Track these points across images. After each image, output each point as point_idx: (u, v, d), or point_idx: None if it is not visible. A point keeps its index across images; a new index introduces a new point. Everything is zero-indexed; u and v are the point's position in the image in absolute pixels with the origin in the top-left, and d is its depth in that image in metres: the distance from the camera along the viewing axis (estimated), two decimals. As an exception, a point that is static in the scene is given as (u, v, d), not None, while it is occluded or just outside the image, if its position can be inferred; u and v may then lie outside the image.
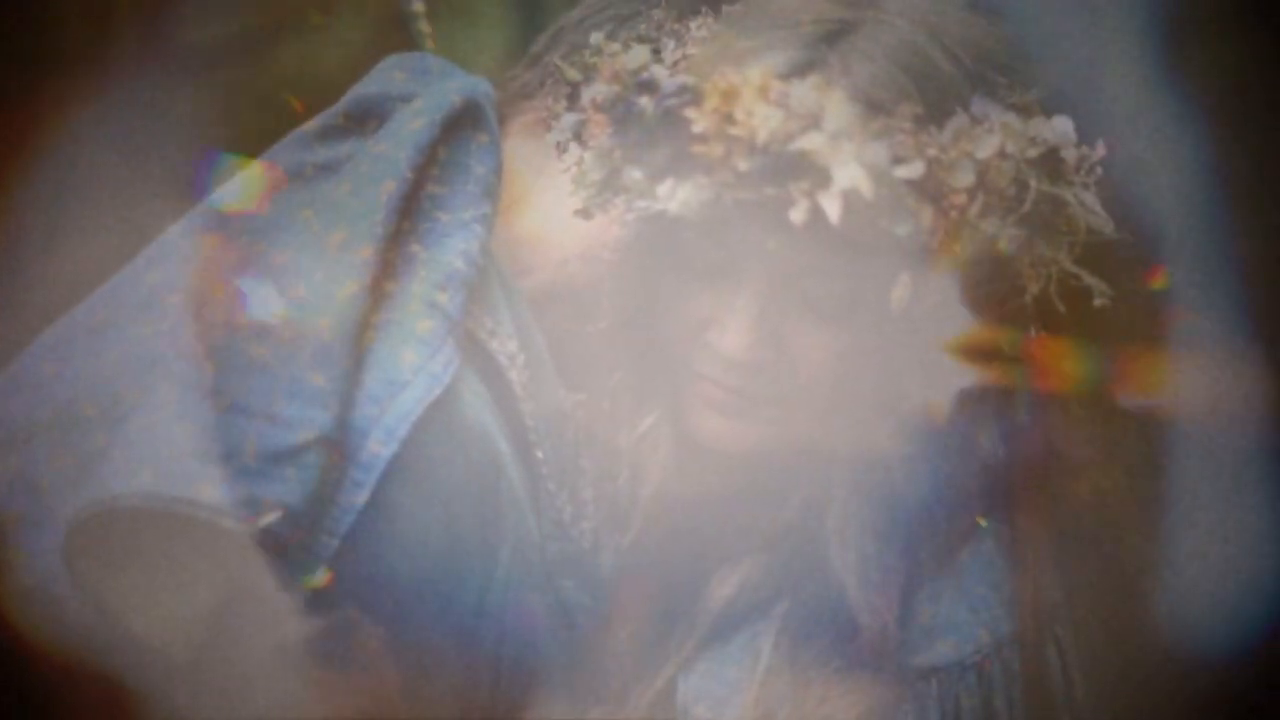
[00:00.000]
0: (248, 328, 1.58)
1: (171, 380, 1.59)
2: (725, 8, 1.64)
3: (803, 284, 1.57)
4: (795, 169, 1.49)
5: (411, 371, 1.60)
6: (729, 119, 1.50)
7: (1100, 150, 1.53)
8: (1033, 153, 1.51)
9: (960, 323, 1.60)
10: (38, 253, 1.77)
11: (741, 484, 1.66)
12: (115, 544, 1.55)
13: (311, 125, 1.68)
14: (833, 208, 1.48)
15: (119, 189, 1.75)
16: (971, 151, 1.49)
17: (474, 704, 1.62)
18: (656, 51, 1.59)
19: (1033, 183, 1.50)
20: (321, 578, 1.59)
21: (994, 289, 1.56)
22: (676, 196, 1.53)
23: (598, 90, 1.58)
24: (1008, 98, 1.56)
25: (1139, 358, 1.69)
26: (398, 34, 1.78)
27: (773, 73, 1.51)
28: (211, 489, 1.55)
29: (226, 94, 1.77)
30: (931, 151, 1.49)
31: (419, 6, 1.61)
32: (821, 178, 1.48)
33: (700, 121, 1.51)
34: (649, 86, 1.55)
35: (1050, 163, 1.51)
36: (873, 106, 1.50)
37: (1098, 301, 1.53)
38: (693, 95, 1.52)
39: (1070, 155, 1.52)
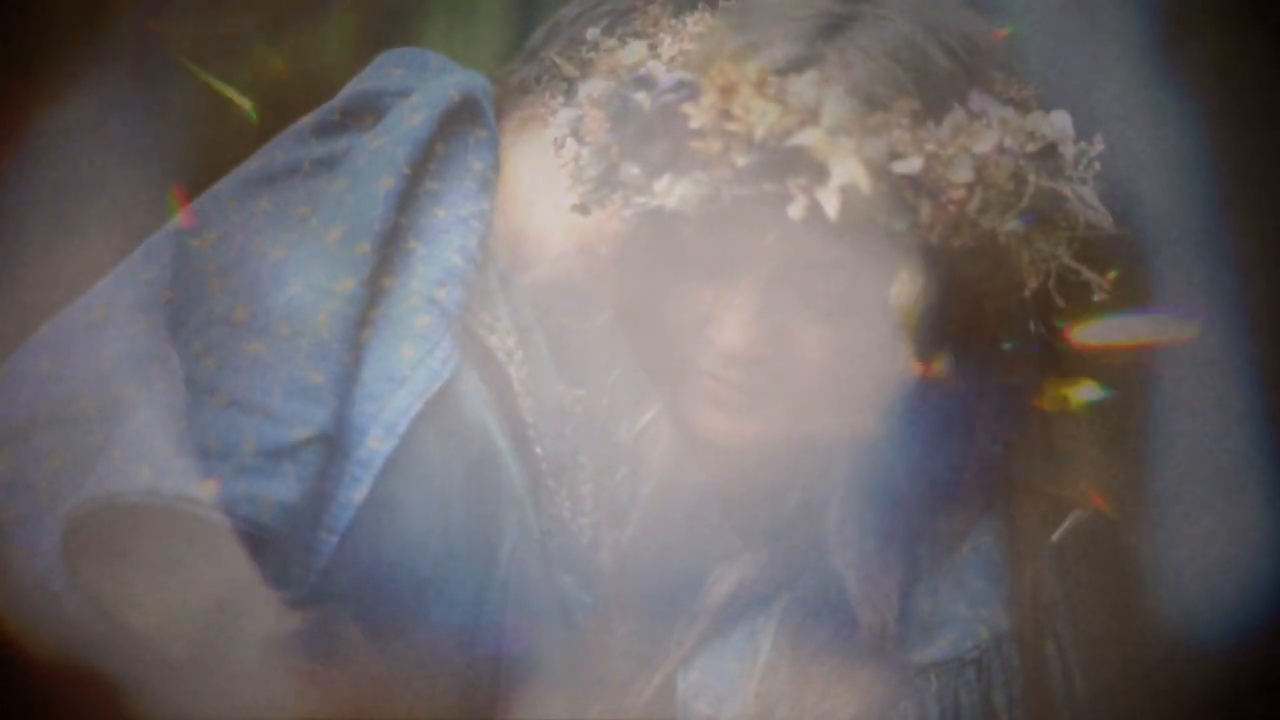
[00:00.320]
0: (245, 324, 1.58)
1: (170, 377, 1.59)
2: (721, 3, 1.64)
3: (801, 280, 1.57)
4: (793, 165, 1.49)
5: (410, 367, 1.60)
6: (727, 114, 1.51)
7: (1099, 145, 1.52)
8: (1031, 148, 1.51)
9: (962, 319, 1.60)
10: (38, 253, 1.77)
11: (740, 480, 1.66)
12: (114, 541, 1.55)
13: (308, 120, 1.69)
14: (831, 203, 1.48)
15: (119, 189, 1.75)
16: (970, 147, 1.49)
17: (473, 701, 1.62)
18: (653, 47, 1.60)
19: (1031, 178, 1.50)
20: (320, 574, 1.59)
21: (993, 285, 1.56)
22: (674, 192, 1.53)
23: (595, 86, 1.58)
24: (1005, 93, 1.56)
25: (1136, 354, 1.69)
26: (392, 28, 1.78)
27: (770, 68, 1.51)
28: (210, 486, 1.55)
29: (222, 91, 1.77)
30: (930, 147, 1.49)
31: None
32: (819, 173, 1.48)
33: (698, 117, 1.51)
34: (646, 82, 1.55)
35: (1049, 158, 1.52)
36: (870, 102, 1.50)
37: (1097, 297, 1.52)
38: (690, 91, 1.52)
39: (1068, 150, 1.52)
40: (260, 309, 1.59)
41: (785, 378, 1.60)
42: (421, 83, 1.69)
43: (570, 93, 1.63)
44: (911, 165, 1.48)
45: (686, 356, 1.62)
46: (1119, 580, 1.69)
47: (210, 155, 1.69)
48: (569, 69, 1.64)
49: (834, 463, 1.63)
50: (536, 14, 1.73)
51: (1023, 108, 1.54)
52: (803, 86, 1.50)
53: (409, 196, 1.64)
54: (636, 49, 1.58)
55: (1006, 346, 1.60)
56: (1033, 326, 1.59)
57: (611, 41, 1.61)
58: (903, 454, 1.63)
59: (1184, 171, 1.72)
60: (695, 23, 1.62)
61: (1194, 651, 1.71)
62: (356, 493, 1.58)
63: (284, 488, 1.55)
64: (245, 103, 1.67)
